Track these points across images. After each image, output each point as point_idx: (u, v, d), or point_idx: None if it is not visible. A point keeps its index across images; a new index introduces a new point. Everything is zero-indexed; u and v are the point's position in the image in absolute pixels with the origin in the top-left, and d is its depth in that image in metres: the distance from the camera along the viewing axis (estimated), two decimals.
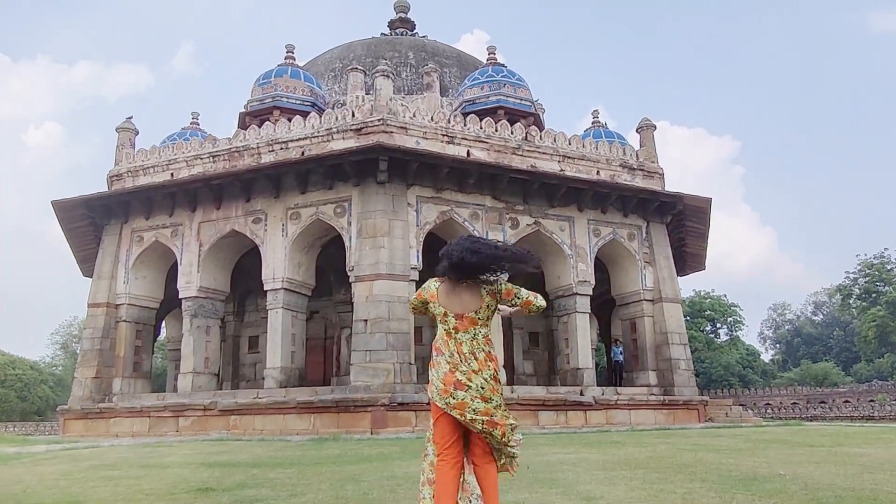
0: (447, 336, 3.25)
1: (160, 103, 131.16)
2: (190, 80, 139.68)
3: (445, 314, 3.25)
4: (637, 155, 17.92)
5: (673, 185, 17.94)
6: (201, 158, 16.74)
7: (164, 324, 23.15)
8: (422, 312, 3.41)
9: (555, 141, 16.90)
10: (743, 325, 52.70)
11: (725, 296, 52.07)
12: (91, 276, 17.84)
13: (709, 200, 17.67)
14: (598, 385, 16.27)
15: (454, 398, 3.11)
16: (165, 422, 14.62)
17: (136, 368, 16.67)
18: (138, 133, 18.42)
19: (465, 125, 16.02)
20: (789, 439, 9.69)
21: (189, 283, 16.00)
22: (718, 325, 52.98)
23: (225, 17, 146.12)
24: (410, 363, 13.90)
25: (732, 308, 51.65)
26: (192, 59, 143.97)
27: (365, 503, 4.59)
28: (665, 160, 17.59)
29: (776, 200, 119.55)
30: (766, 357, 63.61)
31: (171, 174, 16.89)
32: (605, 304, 20.82)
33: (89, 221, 17.78)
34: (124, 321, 16.51)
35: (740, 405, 26.60)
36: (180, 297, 16.10)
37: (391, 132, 15.10)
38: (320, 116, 16.14)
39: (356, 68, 20.31)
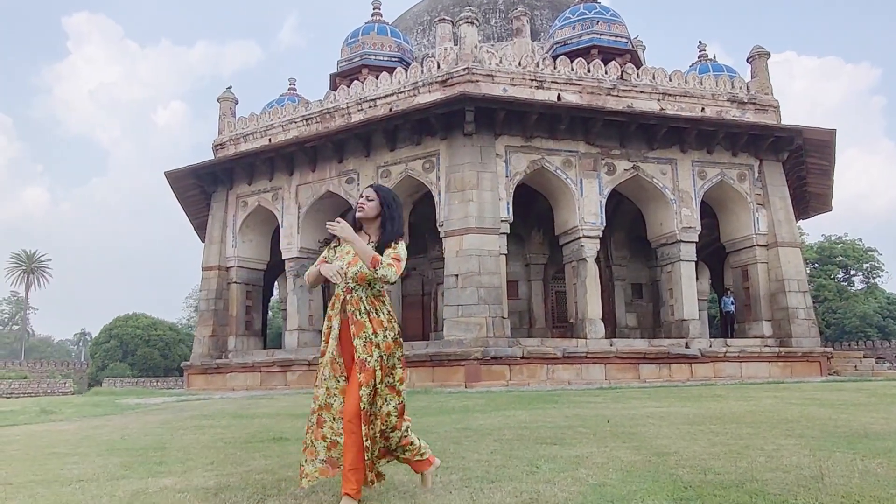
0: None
1: (270, 75, 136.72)
2: (296, 50, 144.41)
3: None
4: (748, 87, 16.37)
5: (799, 121, 16.27)
6: (295, 122, 17.13)
7: (276, 285, 24.39)
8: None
9: (653, 78, 15.76)
10: (882, 271, 47.98)
11: (861, 240, 47.53)
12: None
13: (832, 132, 15.87)
14: (708, 337, 15.37)
15: None
16: (274, 376, 15.42)
17: (248, 327, 17.67)
18: (238, 102, 19.13)
19: (554, 68, 15.27)
20: None
21: (290, 245, 16.60)
22: (853, 273, 48.56)
23: None
24: (503, 317, 13.71)
25: (869, 253, 47.07)
26: (297, 30, 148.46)
27: None
28: (791, 95, 16.02)
29: None
30: None
31: (269, 140, 17.44)
32: (715, 253, 19.55)
33: (200, 190, 18.82)
34: (235, 283, 17.48)
35: (879, 358, 24.41)
36: (283, 257, 16.76)
37: (477, 81, 14.67)
38: (406, 72, 15.96)
39: (443, 19, 19.84)
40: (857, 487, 3.04)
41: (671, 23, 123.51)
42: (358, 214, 3.10)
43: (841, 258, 46.56)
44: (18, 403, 12.72)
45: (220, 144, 18.37)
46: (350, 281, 3.01)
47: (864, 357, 16.79)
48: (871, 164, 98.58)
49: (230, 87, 19.20)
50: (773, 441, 4.57)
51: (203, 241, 22.01)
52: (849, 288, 47.41)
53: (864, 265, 47.65)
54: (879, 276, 48.30)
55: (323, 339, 3.14)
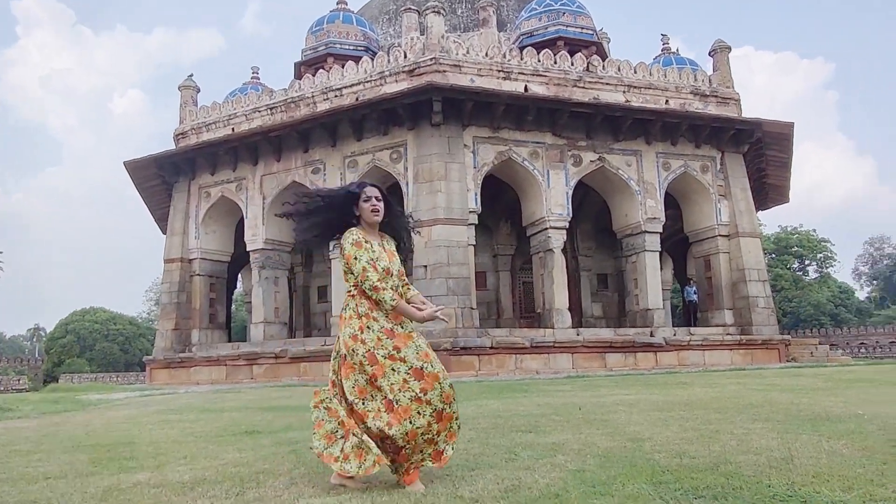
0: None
1: (232, 64, 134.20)
2: (258, 39, 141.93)
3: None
4: (710, 80, 16.69)
5: (758, 114, 16.63)
6: (259, 112, 16.84)
7: (240, 277, 24.00)
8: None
9: (619, 70, 15.93)
10: (835, 261, 49.70)
11: (815, 231, 49.08)
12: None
13: (791, 125, 16.31)
14: (672, 326, 15.69)
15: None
16: (240, 370, 15.21)
17: (212, 320, 17.37)
18: (199, 90, 18.71)
19: (521, 59, 15.32)
20: (877, 378, 8.97)
21: (255, 236, 16.34)
22: (807, 262, 50.13)
23: None
24: (472, 308, 13.77)
25: (822, 243, 48.64)
26: (260, 17, 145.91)
27: None
28: (750, 89, 16.46)
29: (876, 126, 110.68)
30: (862, 295, 60.04)
31: (232, 129, 17.11)
32: (678, 244, 19.93)
33: (161, 180, 18.38)
34: (198, 275, 17.15)
35: (831, 345, 25.25)
36: (248, 249, 16.51)
37: (444, 71, 14.63)
38: (372, 61, 15.82)
39: (410, 8, 19.69)
40: (826, 467, 3.13)
41: (633, 16, 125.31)
42: (376, 219, 3.07)
43: (796, 248, 48.02)
44: None
45: (182, 134, 17.95)
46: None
47: (819, 344, 17.36)
48: (825, 158, 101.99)
49: (191, 76, 18.79)
50: (741, 426, 4.69)
51: (164, 233, 21.58)
52: (804, 277, 48.94)
53: (818, 255, 49.24)
54: (832, 266, 50.04)
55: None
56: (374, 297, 2.93)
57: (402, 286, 3.13)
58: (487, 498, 2.83)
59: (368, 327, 2.94)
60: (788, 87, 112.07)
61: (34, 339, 68.12)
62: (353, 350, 2.90)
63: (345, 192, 3.14)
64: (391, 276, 3.00)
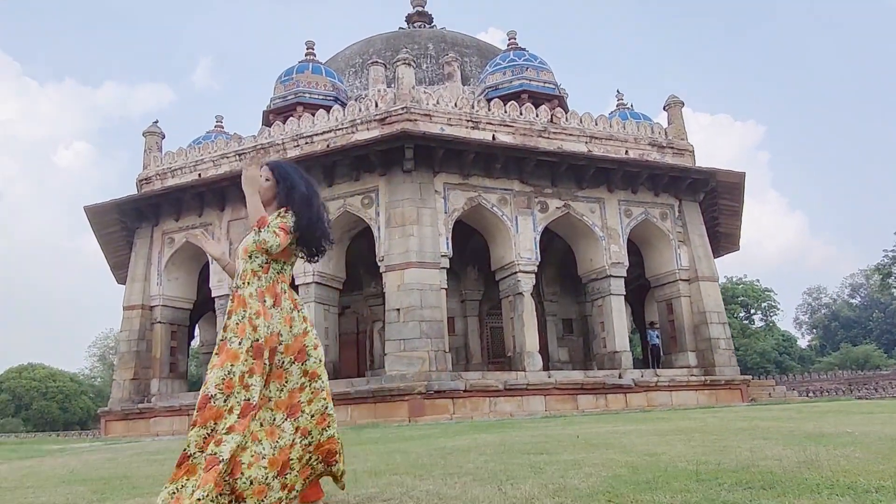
0: (287, 278, 2.80)
1: (183, 118, 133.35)
2: (210, 92, 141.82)
3: (294, 254, 2.84)
4: (666, 133, 17.56)
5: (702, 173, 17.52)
6: (227, 157, 16.80)
7: (197, 329, 23.30)
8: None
9: (581, 122, 16.63)
10: (778, 310, 51.61)
11: (758, 281, 51.05)
12: (124, 284, 18.03)
13: (742, 175, 17.22)
14: (633, 369, 15.94)
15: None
16: None
17: (173, 369, 16.78)
18: (164, 137, 18.57)
19: (489, 110, 15.85)
20: (844, 409, 9.32)
21: (221, 282, 16.03)
22: (752, 311, 51.87)
23: (239, 29, 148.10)
24: (445, 351, 13.75)
25: (766, 293, 50.57)
26: (211, 72, 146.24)
27: (417, 467, 4.43)
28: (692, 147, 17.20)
29: (805, 184, 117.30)
30: (803, 343, 62.17)
31: (199, 174, 16.98)
32: (637, 290, 20.44)
33: (121, 226, 17.96)
34: (159, 322, 16.64)
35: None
36: (213, 295, 16.16)
37: (415, 120, 14.98)
38: (343, 110, 16.09)
39: (376, 62, 20.23)
40: (851, 465, 3.29)
41: (581, 74, 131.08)
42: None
43: (742, 298, 49.72)
44: None
45: (146, 179, 17.69)
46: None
47: (776, 386, 17.90)
48: (762, 213, 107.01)
49: (157, 122, 18.67)
50: (744, 442, 4.83)
51: (119, 282, 20.90)
52: (750, 326, 50.54)
53: (762, 304, 51.09)
54: (776, 315, 51.91)
55: None
56: None
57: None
58: (539, 497, 2.87)
59: None
60: (725, 146, 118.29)
61: None
62: None
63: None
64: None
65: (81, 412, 45.42)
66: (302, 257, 2.87)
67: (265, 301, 2.63)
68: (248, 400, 2.47)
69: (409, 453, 5.48)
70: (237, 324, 2.59)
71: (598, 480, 3.23)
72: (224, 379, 2.46)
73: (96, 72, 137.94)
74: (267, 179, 2.82)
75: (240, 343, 2.54)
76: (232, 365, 2.49)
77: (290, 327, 2.67)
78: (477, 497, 2.91)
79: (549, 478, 3.41)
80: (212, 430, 2.41)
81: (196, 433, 2.40)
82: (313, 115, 16.40)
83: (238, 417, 2.44)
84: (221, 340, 2.59)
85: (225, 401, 2.45)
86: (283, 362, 2.64)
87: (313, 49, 19.79)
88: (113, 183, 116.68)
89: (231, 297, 2.71)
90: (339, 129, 15.68)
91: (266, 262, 2.73)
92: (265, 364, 2.56)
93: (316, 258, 2.92)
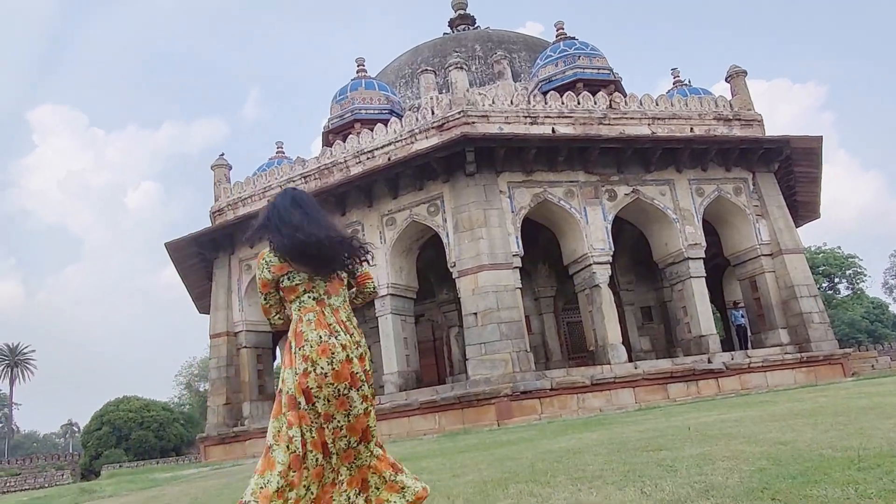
0: (318, 305, 2.57)
1: (238, 149, 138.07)
2: (261, 122, 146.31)
3: (310, 279, 2.58)
4: (731, 105, 16.92)
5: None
6: (293, 181, 17.17)
7: (278, 349, 23.95)
8: (275, 296, 2.66)
9: (641, 104, 16.23)
10: (865, 276, 48.95)
11: (840, 248, 48.58)
12: (206, 313, 18.72)
13: (819, 139, 16.42)
14: (721, 351, 15.39)
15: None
16: None
17: (262, 391, 17.27)
18: (231, 168, 19.18)
19: (545, 103, 15.65)
20: None
21: None
22: (837, 280, 49.40)
23: (281, 57, 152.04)
24: (527, 350, 13.64)
25: (850, 259, 48.06)
26: (260, 103, 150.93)
27: (536, 473, 4.37)
28: None
29: (877, 141, 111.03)
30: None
31: (268, 201, 17.40)
32: (712, 270, 19.68)
33: (200, 258, 18.65)
34: (245, 347, 17.17)
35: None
36: None
37: (473, 122, 14.95)
38: (400, 121, 16.23)
39: (426, 70, 20.30)
40: None
41: (630, 58, 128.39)
42: None
43: (824, 267, 47.42)
44: (26, 496, 12.14)
45: (219, 210, 18.32)
46: None
47: (879, 356, 16.93)
48: (832, 176, 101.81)
49: (223, 155, 19.30)
50: (880, 423, 4.54)
51: (201, 311, 21.71)
52: (835, 296, 48.12)
53: (847, 272, 48.57)
54: (863, 282, 49.23)
55: None
56: None
57: None
58: (692, 497, 2.77)
59: None
60: (785, 112, 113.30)
61: (67, 435, 67.80)
62: None
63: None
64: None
65: (175, 439, 47.43)
66: (329, 276, 2.63)
67: (291, 347, 2.51)
68: (295, 452, 2.39)
69: (519, 459, 5.43)
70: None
71: (743, 476, 3.09)
72: (278, 431, 2.44)
73: (155, 114, 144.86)
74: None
75: (280, 393, 2.52)
76: (276, 419, 2.48)
77: (332, 356, 2.47)
78: (623, 502, 2.83)
79: (687, 476, 3.29)
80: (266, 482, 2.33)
81: (255, 482, 2.35)
82: (371, 130, 16.59)
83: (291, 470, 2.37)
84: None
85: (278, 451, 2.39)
86: (339, 390, 2.47)
87: (364, 65, 20.06)
88: (180, 217, 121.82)
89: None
90: (398, 141, 15.81)
91: (280, 306, 2.67)
92: (307, 409, 2.45)
93: (348, 265, 2.70)
